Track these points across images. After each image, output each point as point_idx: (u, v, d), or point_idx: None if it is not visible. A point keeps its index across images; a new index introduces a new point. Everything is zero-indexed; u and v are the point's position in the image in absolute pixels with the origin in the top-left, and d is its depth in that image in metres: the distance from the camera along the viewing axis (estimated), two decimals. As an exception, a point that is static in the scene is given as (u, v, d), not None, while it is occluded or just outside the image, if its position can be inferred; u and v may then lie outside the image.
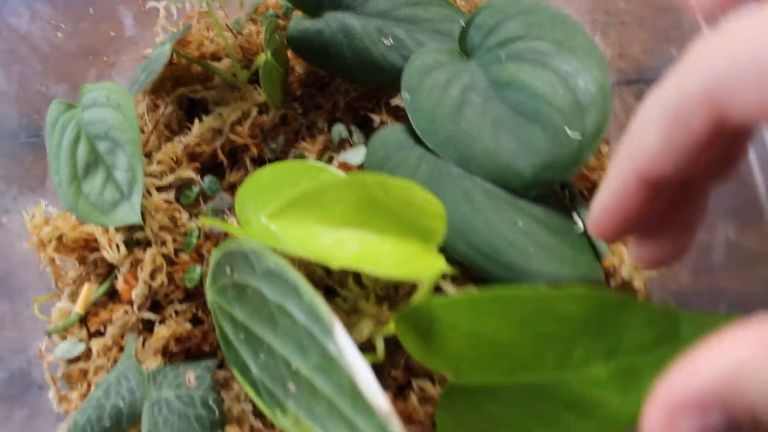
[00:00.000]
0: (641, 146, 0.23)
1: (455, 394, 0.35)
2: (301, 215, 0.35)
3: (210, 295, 0.39)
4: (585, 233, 0.42)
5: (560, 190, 0.45)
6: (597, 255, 0.42)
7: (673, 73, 0.22)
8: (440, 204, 0.31)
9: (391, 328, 0.41)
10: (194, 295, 0.48)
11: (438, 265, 0.33)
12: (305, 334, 0.33)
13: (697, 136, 0.21)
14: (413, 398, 0.43)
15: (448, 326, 0.32)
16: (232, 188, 0.51)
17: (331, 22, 0.48)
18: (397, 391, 0.44)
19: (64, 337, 0.47)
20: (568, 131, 0.41)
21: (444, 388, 0.35)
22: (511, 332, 0.30)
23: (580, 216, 0.43)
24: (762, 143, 0.37)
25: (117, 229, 0.47)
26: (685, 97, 0.21)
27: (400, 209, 0.32)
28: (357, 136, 0.51)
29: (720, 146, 0.23)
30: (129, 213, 0.46)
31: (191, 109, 0.55)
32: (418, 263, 0.32)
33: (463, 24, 0.45)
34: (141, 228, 0.47)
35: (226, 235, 0.48)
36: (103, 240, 0.47)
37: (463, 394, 0.34)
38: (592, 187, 0.47)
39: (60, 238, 0.47)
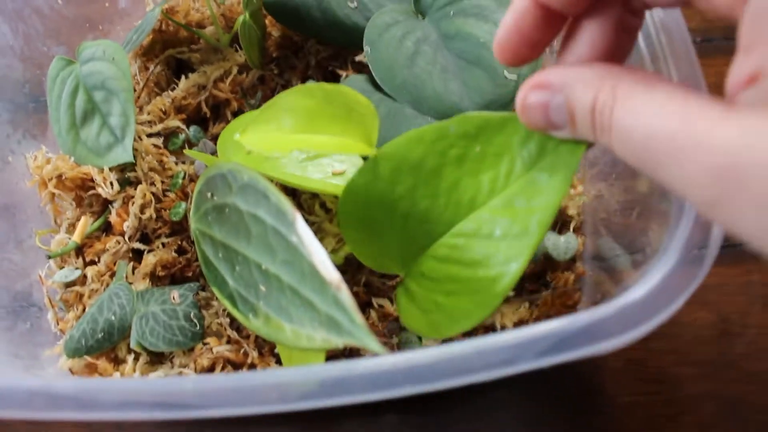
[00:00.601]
0: None
1: (404, 282, 0.41)
2: (263, 128, 0.41)
3: (193, 224, 0.44)
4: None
5: (502, 129, 0.51)
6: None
7: None
8: (370, 103, 0.38)
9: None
10: (179, 230, 0.54)
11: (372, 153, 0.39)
12: (273, 234, 0.38)
13: None
14: (373, 314, 0.49)
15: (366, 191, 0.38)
16: (215, 138, 0.57)
17: (302, -13, 0.55)
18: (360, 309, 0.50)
19: (62, 266, 0.53)
20: (506, 74, 0.47)
21: (397, 285, 0.41)
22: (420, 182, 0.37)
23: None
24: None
25: (111, 170, 0.53)
26: None
27: (339, 113, 0.39)
28: (327, 91, 0.57)
29: None
30: (122, 153, 0.51)
31: (178, 70, 0.61)
32: (356, 150, 0.38)
33: (418, -14, 0.52)
34: (133, 169, 0.53)
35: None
36: (98, 178, 0.52)
37: (410, 279, 0.40)
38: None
39: (60, 176, 0.53)
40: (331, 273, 0.35)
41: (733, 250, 0.49)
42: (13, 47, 0.55)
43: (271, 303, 0.39)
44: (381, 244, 0.39)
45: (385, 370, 0.32)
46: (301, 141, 0.39)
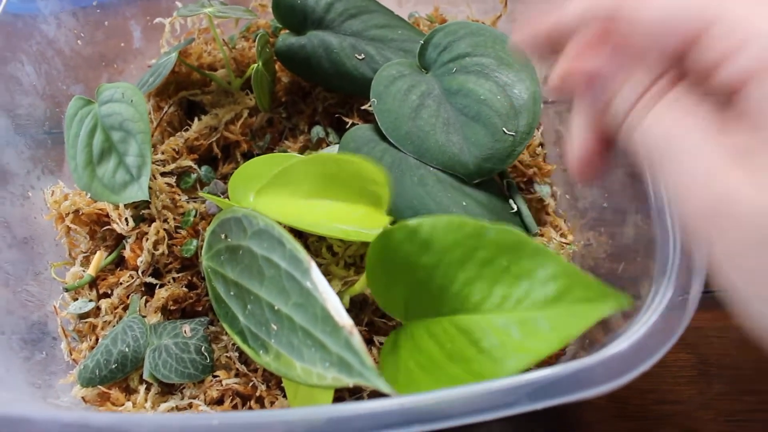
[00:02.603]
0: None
1: (398, 334, 0.43)
2: (278, 192, 0.44)
3: (205, 262, 0.47)
4: (517, 214, 0.52)
5: (499, 180, 0.54)
6: (527, 231, 0.51)
7: None
8: (382, 172, 0.41)
9: (356, 288, 0.50)
10: (189, 266, 0.56)
11: (383, 221, 0.42)
12: (287, 278, 0.41)
13: None
14: (374, 351, 0.52)
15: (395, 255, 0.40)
16: (225, 177, 0.60)
17: (312, 38, 0.58)
18: (361, 346, 0.52)
19: (75, 298, 0.55)
20: (505, 130, 0.50)
21: (389, 335, 0.44)
22: (439, 262, 0.39)
23: (514, 201, 0.52)
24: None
25: (126, 206, 0.56)
26: None
27: (351, 181, 0.42)
28: (333, 136, 0.60)
29: None
30: (138, 192, 0.54)
31: (190, 111, 0.64)
32: (368, 220, 0.41)
33: (422, 42, 0.55)
34: (146, 206, 0.56)
35: (218, 215, 0.57)
36: (114, 215, 0.55)
37: (404, 332, 0.43)
38: (528, 180, 0.57)
39: (77, 211, 0.56)
40: (344, 318, 0.38)
41: (711, 296, 0.53)
42: (36, 86, 0.57)
43: (282, 341, 0.42)
44: (393, 292, 0.42)
45: (392, 410, 0.34)
46: (316, 209, 0.42)
